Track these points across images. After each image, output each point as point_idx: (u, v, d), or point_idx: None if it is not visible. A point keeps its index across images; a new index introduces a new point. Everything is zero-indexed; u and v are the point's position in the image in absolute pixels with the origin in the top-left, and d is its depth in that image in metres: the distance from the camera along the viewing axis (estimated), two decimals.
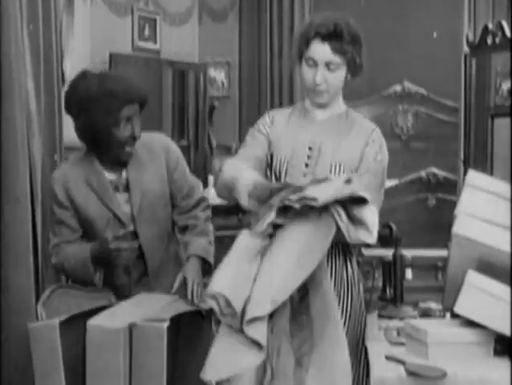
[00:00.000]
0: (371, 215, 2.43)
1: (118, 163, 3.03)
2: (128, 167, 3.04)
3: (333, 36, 2.75)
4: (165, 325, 2.43)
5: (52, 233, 3.11)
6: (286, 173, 2.81)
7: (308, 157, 2.82)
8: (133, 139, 2.95)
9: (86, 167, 3.05)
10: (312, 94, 2.85)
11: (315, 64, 2.77)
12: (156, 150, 3.09)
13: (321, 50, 2.75)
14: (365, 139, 2.85)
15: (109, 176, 3.05)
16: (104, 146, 2.96)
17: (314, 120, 2.89)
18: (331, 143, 2.83)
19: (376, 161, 2.84)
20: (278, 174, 2.83)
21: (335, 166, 2.80)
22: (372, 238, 2.45)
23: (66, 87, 3.10)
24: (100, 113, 2.86)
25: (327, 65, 2.77)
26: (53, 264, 3.12)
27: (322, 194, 2.35)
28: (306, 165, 2.82)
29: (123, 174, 3.05)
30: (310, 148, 2.83)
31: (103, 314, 2.54)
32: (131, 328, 2.45)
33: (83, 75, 2.96)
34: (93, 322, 2.46)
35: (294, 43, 2.87)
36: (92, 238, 3.03)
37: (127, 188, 3.04)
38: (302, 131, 2.86)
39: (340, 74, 2.80)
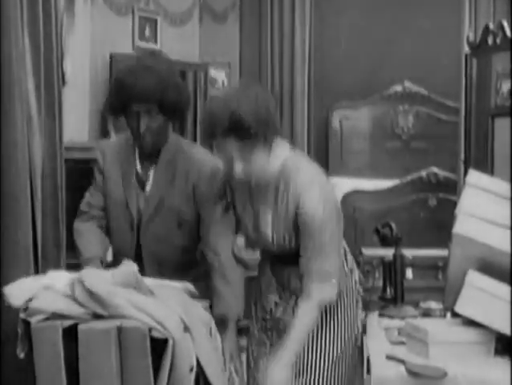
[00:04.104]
0: None
1: (146, 156, 3.05)
2: (157, 165, 3.04)
3: (235, 129, 2.58)
4: (148, 326, 2.44)
5: (88, 193, 3.19)
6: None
7: (252, 227, 2.85)
8: (146, 133, 2.94)
9: (128, 147, 3.10)
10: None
11: (230, 158, 2.66)
12: (192, 168, 3.02)
13: (227, 145, 2.62)
14: (297, 203, 2.70)
15: (139, 167, 3.08)
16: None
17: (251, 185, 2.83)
18: (266, 213, 2.78)
19: (319, 230, 2.71)
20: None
21: (277, 236, 2.78)
22: None
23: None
24: (114, 102, 2.96)
25: (241, 155, 2.64)
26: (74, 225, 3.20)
27: None
28: (252, 228, 2.85)
29: (150, 171, 3.07)
30: (252, 215, 2.84)
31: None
32: (118, 330, 2.46)
33: (136, 59, 3.10)
34: (83, 326, 2.47)
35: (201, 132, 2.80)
36: (108, 219, 3.11)
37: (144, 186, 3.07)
38: (246, 193, 2.84)
39: (258, 157, 2.65)
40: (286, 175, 2.72)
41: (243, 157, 2.62)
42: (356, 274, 2.94)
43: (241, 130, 2.57)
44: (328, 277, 2.70)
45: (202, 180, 2.98)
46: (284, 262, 2.84)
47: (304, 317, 2.70)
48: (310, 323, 2.71)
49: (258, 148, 2.63)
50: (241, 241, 2.90)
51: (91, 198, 3.16)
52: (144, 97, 2.90)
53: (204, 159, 3.02)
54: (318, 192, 2.68)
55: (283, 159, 2.74)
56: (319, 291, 2.69)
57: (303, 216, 2.68)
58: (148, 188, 3.03)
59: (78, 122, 5.19)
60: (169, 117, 2.99)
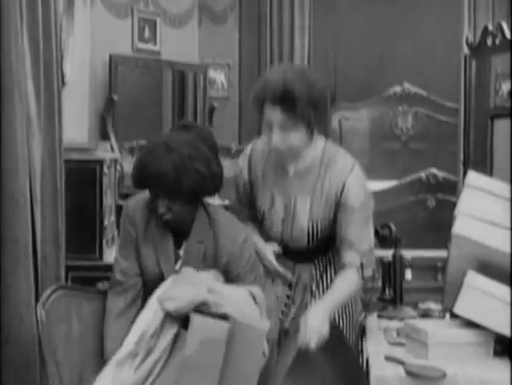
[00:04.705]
0: None
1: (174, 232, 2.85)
2: (188, 242, 2.83)
3: (284, 99, 2.62)
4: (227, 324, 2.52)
5: (120, 257, 2.88)
6: (265, 224, 2.90)
7: (283, 220, 2.85)
8: (166, 214, 2.74)
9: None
10: (277, 155, 2.79)
11: (271, 126, 2.69)
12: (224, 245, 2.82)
13: (272, 113, 2.65)
14: (339, 186, 2.79)
15: (171, 243, 2.86)
16: None
17: (287, 174, 2.86)
18: (304, 200, 2.82)
19: (359, 209, 2.83)
20: (260, 220, 2.91)
21: (312, 225, 2.83)
22: None
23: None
24: (134, 179, 2.77)
25: (282, 126, 2.67)
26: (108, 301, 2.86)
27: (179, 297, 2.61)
28: (283, 221, 2.86)
29: (181, 249, 2.84)
30: (285, 207, 2.85)
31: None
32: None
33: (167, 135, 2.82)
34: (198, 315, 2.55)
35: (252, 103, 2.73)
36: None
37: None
38: (277, 185, 2.86)
39: (299, 135, 2.69)
40: (327, 161, 2.81)
41: (284, 129, 2.67)
42: None
43: (289, 102, 2.62)
44: (369, 251, 2.86)
45: (234, 256, 2.80)
46: (298, 260, 2.90)
47: (346, 280, 2.79)
48: (352, 287, 2.80)
49: (301, 127, 2.67)
50: (271, 252, 2.89)
51: (126, 265, 2.84)
52: (158, 182, 2.70)
53: (234, 235, 2.81)
54: (359, 177, 2.81)
55: (322, 147, 2.82)
56: (357, 259, 2.81)
57: (346, 199, 2.78)
58: (178, 266, 2.82)
59: (77, 123, 5.19)
60: (189, 202, 2.76)
